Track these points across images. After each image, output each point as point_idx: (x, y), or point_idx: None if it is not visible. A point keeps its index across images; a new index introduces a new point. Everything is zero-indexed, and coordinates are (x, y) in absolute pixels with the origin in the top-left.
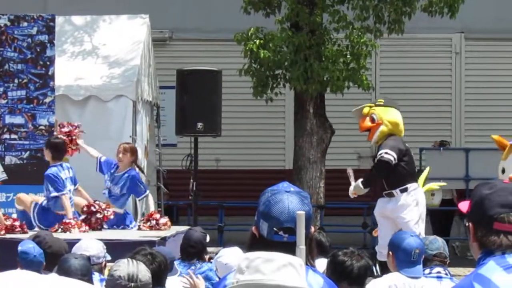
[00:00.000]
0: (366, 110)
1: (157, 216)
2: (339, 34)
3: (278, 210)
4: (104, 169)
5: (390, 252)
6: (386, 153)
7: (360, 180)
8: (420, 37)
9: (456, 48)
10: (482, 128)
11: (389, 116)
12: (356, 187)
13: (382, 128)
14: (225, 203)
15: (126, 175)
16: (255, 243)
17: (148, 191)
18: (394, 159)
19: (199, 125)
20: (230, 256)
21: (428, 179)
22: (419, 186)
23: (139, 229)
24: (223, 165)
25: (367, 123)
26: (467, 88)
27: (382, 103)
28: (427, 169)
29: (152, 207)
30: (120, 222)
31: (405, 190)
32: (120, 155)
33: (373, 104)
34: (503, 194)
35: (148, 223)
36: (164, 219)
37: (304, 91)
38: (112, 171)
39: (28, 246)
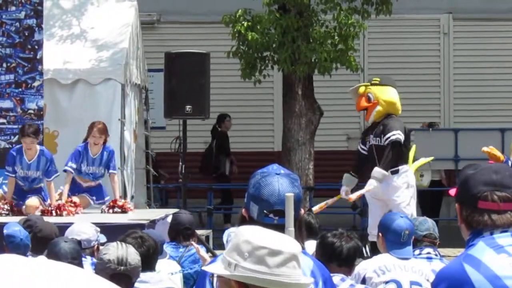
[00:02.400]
0: (362, 89)
1: (120, 203)
2: (326, 15)
3: (268, 193)
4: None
5: (380, 234)
6: (399, 134)
7: (378, 170)
8: (408, 18)
9: (444, 29)
10: (470, 108)
11: (386, 95)
12: (371, 184)
13: (379, 108)
14: (214, 185)
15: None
16: (245, 225)
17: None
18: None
19: (188, 107)
20: None
21: (416, 159)
22: (409, 167)
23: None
24: None
25: (364, 103)
26: (456, 69)
27: (378, 82)
28: (413, 147)
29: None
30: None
31: (396, 172)
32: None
33: (368, 83)
34: (486, 173)
35: (111, 210)
36: (129, 204)
37: (292, 73)
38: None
39: (14, 229)
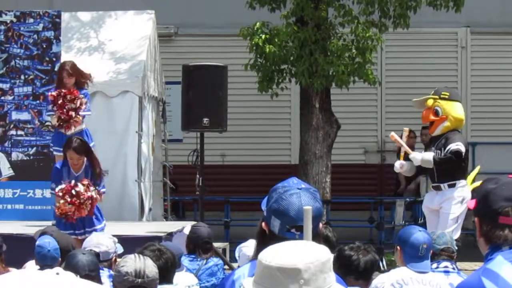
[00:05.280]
0: (430, 102)
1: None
2: (344, 28)
3: (291, 208)
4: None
5: (398, 247)
6: (460, 145)
7: (432, 155)
8: (425, 32)
9: (462, 42)
10: (488, 122)
11: (455, 112)
12: (414, 156)
13: (447, 123)
14: (231, 198)
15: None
16: (265, 240)
17: None
18: (464, 153)
19: (205, 120)
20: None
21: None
22: (467, 184)
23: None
24: (229, 160)
25: (431, 116)
26: (473, 83)
27: (447, 96)
28: (477, 168)
29: None
30: None
31: (453, 185)
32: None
33: (437, 96)
34: (507, 188)
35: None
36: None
37: (309, 86)
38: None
39: (44, 240)
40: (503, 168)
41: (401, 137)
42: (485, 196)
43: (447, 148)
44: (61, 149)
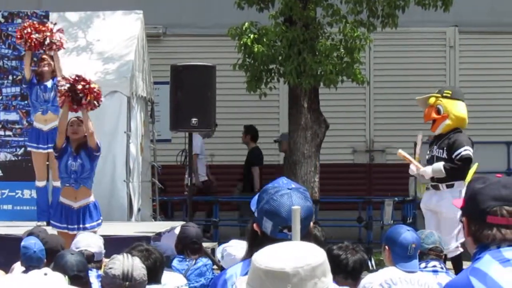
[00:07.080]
0: (432, 100)
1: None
2: (332, 28)
3: (283, 209)
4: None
5: (386, 247)
6: (468, 150)
7: (442, 165)
8: (414, 31)
9: (450, 42)
10: (477, 121)
11: (457, 110)
12: (424, 170)
13: (448, 122)
14: (220, 198)
15: None
16: (257, 241)
17: None
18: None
19: (194, 120)
20: (239, 249)
21: None
22: (465, 184)
23: None
24: (218, 160)
25: (433, 114)
26: (462, 82)
27: (449, 95)
28: (475, 165)
29: None
30: None
31: (451, 186)
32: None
33: (439, 95)
34: (495, 188)
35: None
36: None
37: (297, 86)
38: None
39: (30, 241)
40: (491, 167)
41: (415, 143)
42: (473, 195)
43: (456, 153)
44: (36, 145)
